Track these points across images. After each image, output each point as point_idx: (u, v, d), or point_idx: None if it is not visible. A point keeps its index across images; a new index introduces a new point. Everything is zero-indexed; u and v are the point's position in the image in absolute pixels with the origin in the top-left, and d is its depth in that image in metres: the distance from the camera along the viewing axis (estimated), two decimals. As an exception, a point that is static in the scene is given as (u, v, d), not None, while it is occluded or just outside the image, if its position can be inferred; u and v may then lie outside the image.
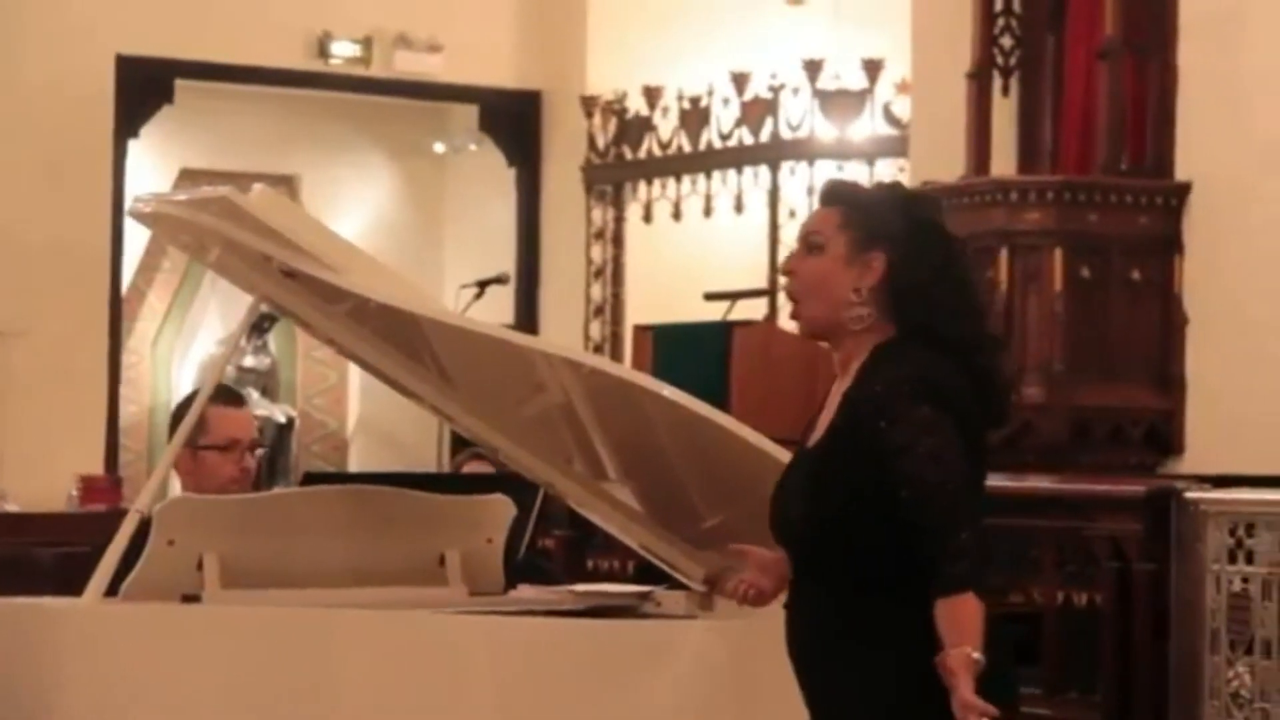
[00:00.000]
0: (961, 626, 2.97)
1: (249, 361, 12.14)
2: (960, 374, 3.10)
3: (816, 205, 3.28)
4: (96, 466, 10.37)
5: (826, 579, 3.12)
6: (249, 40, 10.79)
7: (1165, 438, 7.51)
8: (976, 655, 2.95)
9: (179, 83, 10.73)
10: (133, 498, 4.37)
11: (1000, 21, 8.27)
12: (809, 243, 3.19)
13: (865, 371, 3.12)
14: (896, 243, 3.13)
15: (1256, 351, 7.23)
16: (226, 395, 4.37)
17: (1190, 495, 6.04)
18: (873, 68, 10.09)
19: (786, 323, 9.94)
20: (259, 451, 4.42)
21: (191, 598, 3.66)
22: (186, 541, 3.68)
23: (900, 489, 3.02)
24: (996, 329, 7.54)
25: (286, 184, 11.92)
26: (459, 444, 6.67)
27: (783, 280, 3.25)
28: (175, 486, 4.40)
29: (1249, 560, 5.86)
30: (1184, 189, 7.56)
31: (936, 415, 3.03)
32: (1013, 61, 8.28)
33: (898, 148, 9.75)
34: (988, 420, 3.16)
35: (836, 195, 3.23)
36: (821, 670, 3.13)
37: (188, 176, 11.74)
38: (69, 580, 3.78)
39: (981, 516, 3.09)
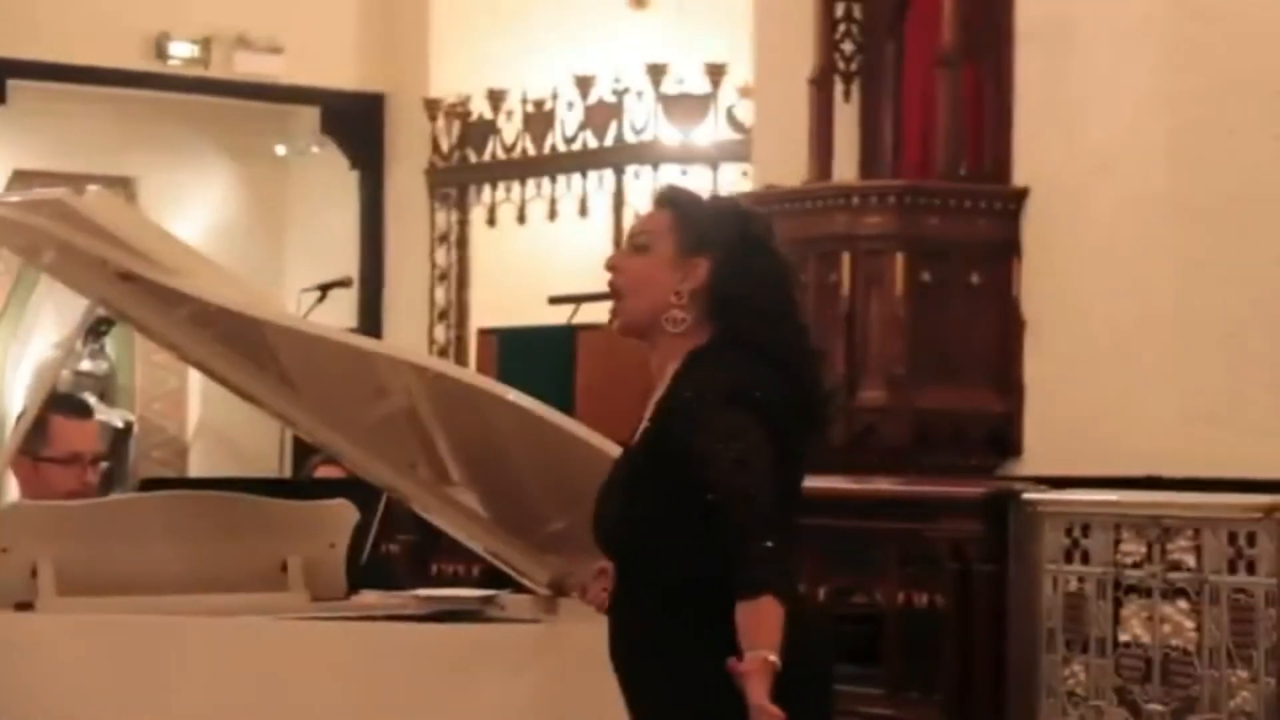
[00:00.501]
0: (758, 630, 2.98)
1: (86, 365, 11.94)
2: (776, 382, 3.13)
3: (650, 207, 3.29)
4: (-73, 474, 10.16)
5: (641, 584, 3.13)
6: (85, 40, 10.62)
7: (1005, 440, 7.61)
8: (772, 659, 2.96)
9: (12, 83, 10.55)
10: (-35, 505, 4.27)
11: (841, 27, 8.34)
12: (636, 242, 3.21)
13: (678, 377, 3.15)
14: (722, 251, 3.16)
15: (1092, 354, 7.35)
16: (71, 406, 4.30)
17: (1028, 496, 6.14)
18: (716, 72, 10.15)
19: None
20: (101, 465, 4.35)
21: (25, 605, 3.60)
22: (21, 548, 3.62)
23: (706, 494, 3.04)
24: (819, 340, 7.62)
25: (124, 186, 11.74)
26: (302, 449, 6.61)
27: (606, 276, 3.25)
28: (12, 493, 4.31)
29: (1084, 560, 5.96)
30: (1022, 194, 7.67)
31: (744, 422, 3.06)
32: (854, 67, 8.35)
33: (741, 152, 9.80)
34: (807, 429, 3.19)
35: (670, 199, 3.26)
36: (638, 675, 3.14)
37: (21, 178, 11.53)
38: (-102, 590, 3.70)
39: (790, 525, 3.11)
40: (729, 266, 3.14)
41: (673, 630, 3.08)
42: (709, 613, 3.04)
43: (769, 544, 3.00)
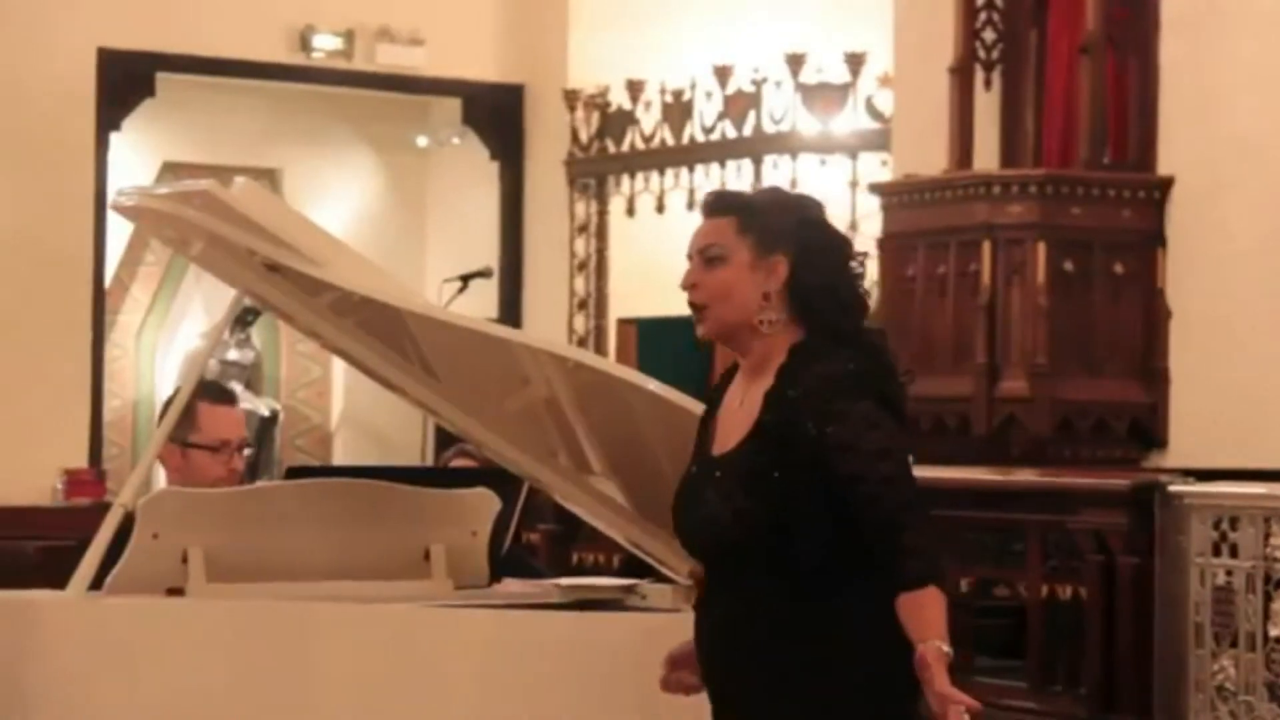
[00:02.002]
0: (927, 620, 2.99)
1: (233, 355, 12.12)
2: (880, 369, 3.14)
3: (701, 218, 3.26)
4: (81, 460, 10.35)
5: (764, 578, 3.10)
6: (231, 33, 10.76)
7: (1149, 431, 7.53)
8: (946, 649, 2.98)
9: (161, 76, 10.71)
10: (117, 491, 4.35)
11: (982, 16, 8.28)
12: (708, 255, 3.20)
13: (788, 370, 3.13)
14: (795, 244, 3.16)
15: (1238, 345, 7.25)
16: (218, 393, 4.35)
17: (1174, 489, 6.06)
18: (855, 61, 10.09)
19: (770, 316, 9.95)
20: (246, 451, 4.40)
21: (176, 591, 3.65)
22: (171, 535, 3.68)
23: (848, 487, 3.04)
24: (961, 330, 7.60)
25: (269, 177, 11.89)
26: (444, 438, 6.67)
27: (684, 296, 3.25)
28: (160, 479, 4.38)
29: (1233, 554, 5.87)
30: (1166, 183, 7.57)
31: (877, 410, 3.06)
32: (995, 55, 8.29)
33: (880, 141, 9.75)
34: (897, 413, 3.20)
35: (726, 204, 3.25)
36: (766, 668, 3.10)
37: (170, 170, 11.72)
38: (54, 574, 3.78)
39: (928, 507, 3.11)
40: (805, 259, 3.16)
41: (807, 618, 3.07)
42: (841, 602, 3.05)
43: (919, 534, 3.01)
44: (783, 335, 3.16)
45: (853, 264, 3.21)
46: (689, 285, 3.22)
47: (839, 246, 3.21)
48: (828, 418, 3.05)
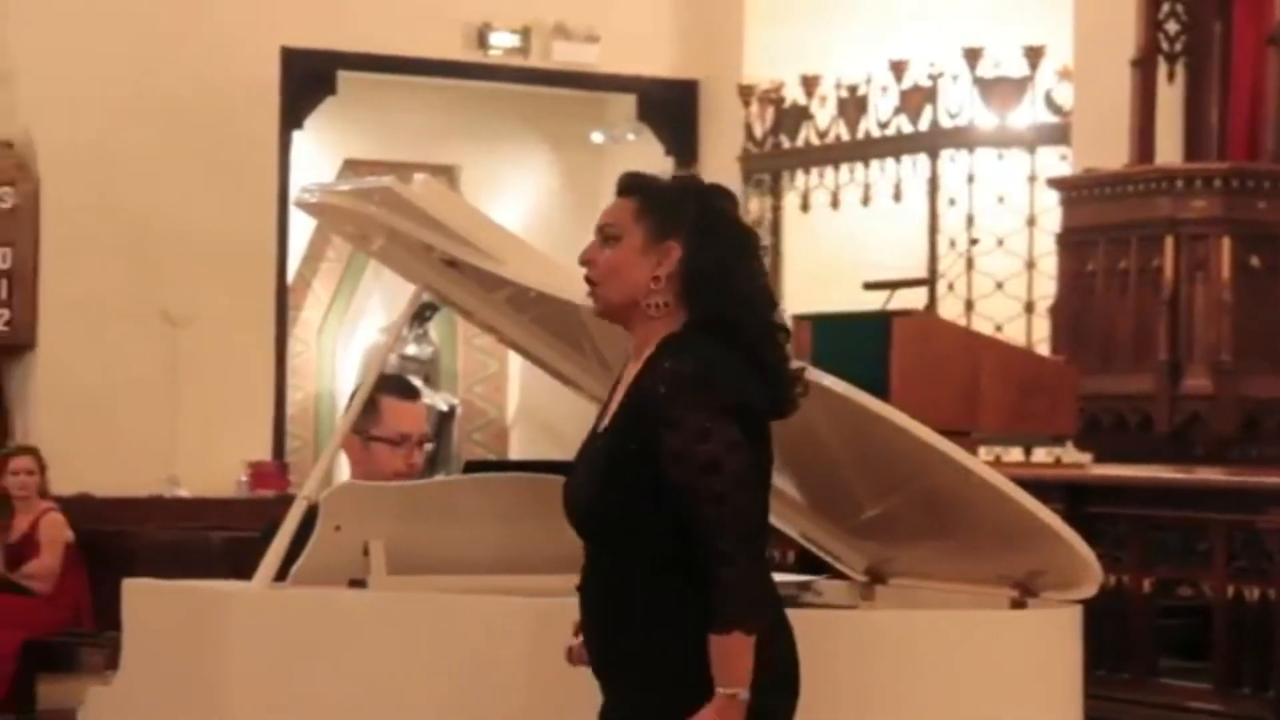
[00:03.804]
0: (727, 667, 2.99)
1: (411, 350, 12.27)
2: (744, 366, 3.10)
3: (613, 197, 3.24)
4: (264, 453, 10.55)
5: (620, 561, 3.12)
6: (410, 32, 10.90)
7: (1337, 430, 7.36)
8: (743, 696, 2.98)
9: (342, 74, 10.88)
10: (300, 483, 4.42)
11: (1165, 7, 8.16)
12: (605, 234, 3.20)
13: (650, 364, 3.12)
14: (690, 232, 3.14)
15: None
16: (400, 388, 4.38)
17: (1363, 489, 5.92)
18: (1034, 54, 9.98)
19: (947, 312, 9.88)
20: (427, 446, 4.44)
21: (358, 583, 3.70)
22: (353, 528, 3.72)
23: (678, 496, 3.03)
24: (1143, 327, 7.47)
25: (446, 174, 12.03)
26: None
27: (580, 269, 3.24)
28: (343, 471, 4.44)
29: None
30: (1357, 176, 7.41)
31: (714, 420, 3.02)
32: (1178, 47, 8.15)
33: (1059, 135, 9.64)
34: (772, 411, 3.16)
35: (633, 186, 3.23)
36: (617, 650, 3.12)
37: (350, 167, 11.89)
38: (239, 564, 3.84)
39: (762, 522, 3.09)
40: (697, 247, 3.13)
41: (655, 604, 3.07)
42: (692, 585, 3.03)
43: (740, 569, 2.99)
44: (664, 322, 3.14)
45: (752, 259, 3.18)
46: (583, 261, 3.22)
47: (739, 238, 3.18)
48: (664, 422, 3.04)
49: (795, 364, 3.19)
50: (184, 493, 10.16)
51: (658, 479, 3.05)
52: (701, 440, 3.01)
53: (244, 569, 3.72)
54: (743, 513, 3.03)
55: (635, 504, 3.08)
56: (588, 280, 3.23)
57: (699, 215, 3.16)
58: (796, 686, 3.16)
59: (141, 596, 3.87)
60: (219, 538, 8.24)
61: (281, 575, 3.66)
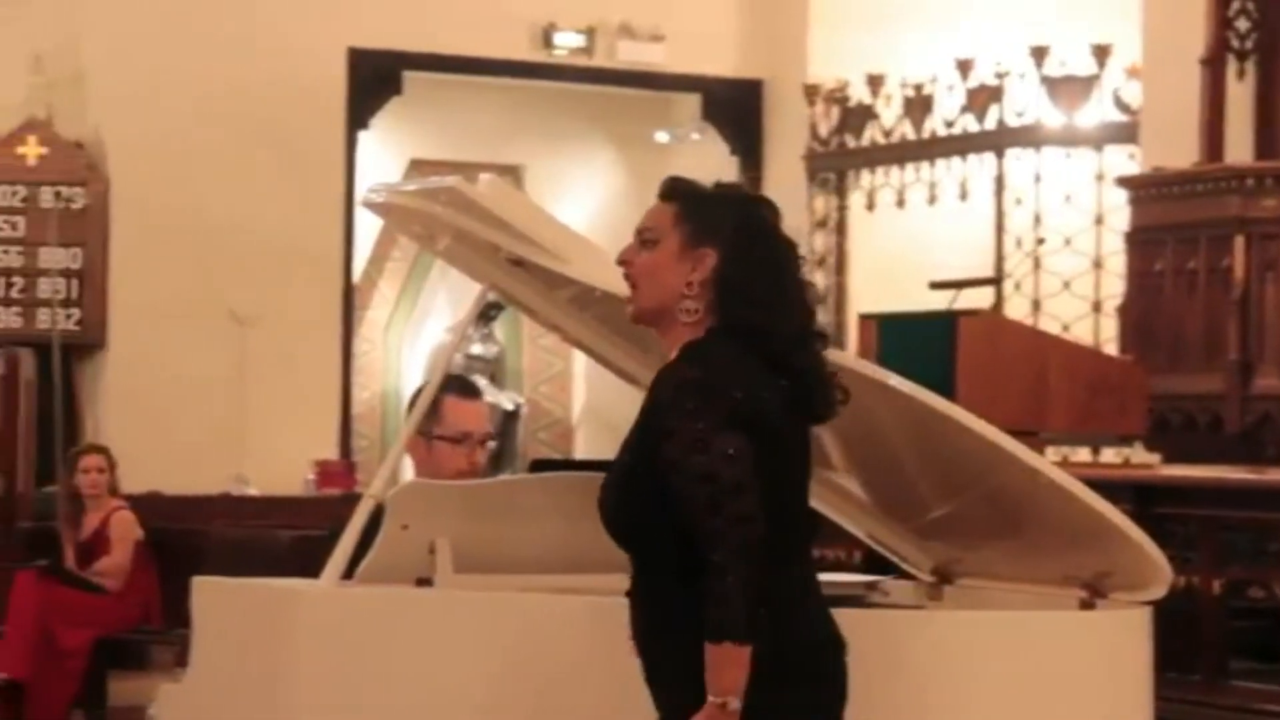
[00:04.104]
0: (718, 675, 2.99)
1: (476, 349, 12.30)
2: (766, 374, 3.09)
3: (654, 200, 3.25)
4: (331, 452, 10.61)
5: (654, 568, 3.13)
6: (475, 32, 10.94)
7: None
8: (734, 706, 2.98)
9: (408, 74, 10.92)
10: (367, 482, 4.45)
11: (1235, 4, 8.09)
12: (643, 237, 3.21)
13: (665, 369, 3.12)
14: (727, 240, 3.14)
15: None
16: (462, 387, 4.40)
17: None
18: (1101, 52, 9.92)
19: (1014, 312, 9.83)
20: (489, 444, 4.45)
21: (424, 581, 3.72)
22: (419, 526, 3.74)
23: (677, 505, 3.03)
24: (1212, 327, 7.40)
25: (512, 174, 12.05)
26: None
27: (619, 270, 3.25)
28: (407, 470, 4.46)
29: None
30: None
31: (712, 431, 3.01)
32: (1249, 45, 8.10)
33: (1127, 134, 9.58)
34: (810, 418, 3.16)
35: (673, 191, 3.23)
36: (655, 654, 3.14)
37: (416, 167, 11.94)
38: (306, 562, 3.86)
39: (790, 526, 3.07)
40: (732, 255, 3.13)
41: (687, 609, 3.05)
42: (694, 597, 3.02)
43: (735, 581, 2.97)
44: (694, 328, 3.14)
45: (786, 270, 3.17)
46: (620, 261, 3.23)
47: (777, 248, 3.17)
48: (663, 431, 3.05)
49: (831, 368, 3.19)
50: (252, 491, 10.23)
51: (664, 490, 3.05)
52: (697, 451, 3.02)
53: (311, 567, 3.74)
54: (739, 523, 3.01)
55: (646, 514, 3.10)
56: (627, 281, 3.23)
57: (737, 224, 3.17)
58: (816, 681, 3.15)
59: (210, 594, 3.90)
60: (286, 536, 8.28)
61: (349, 574, 3.68)
